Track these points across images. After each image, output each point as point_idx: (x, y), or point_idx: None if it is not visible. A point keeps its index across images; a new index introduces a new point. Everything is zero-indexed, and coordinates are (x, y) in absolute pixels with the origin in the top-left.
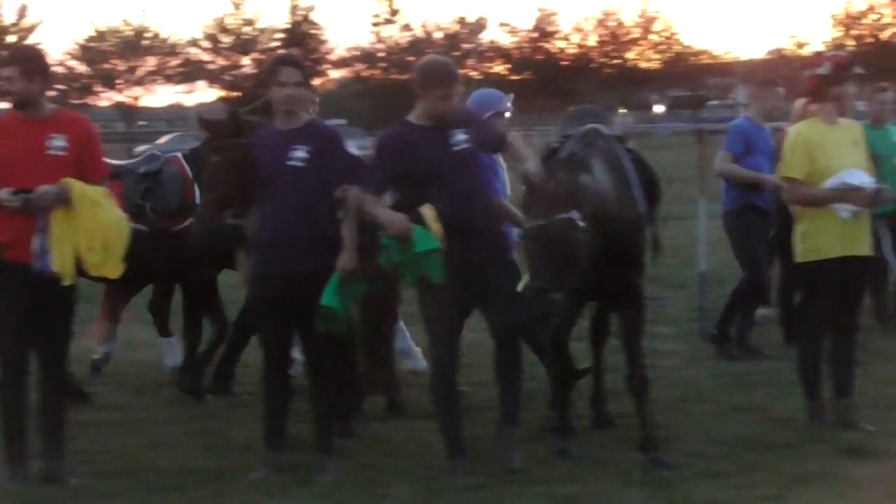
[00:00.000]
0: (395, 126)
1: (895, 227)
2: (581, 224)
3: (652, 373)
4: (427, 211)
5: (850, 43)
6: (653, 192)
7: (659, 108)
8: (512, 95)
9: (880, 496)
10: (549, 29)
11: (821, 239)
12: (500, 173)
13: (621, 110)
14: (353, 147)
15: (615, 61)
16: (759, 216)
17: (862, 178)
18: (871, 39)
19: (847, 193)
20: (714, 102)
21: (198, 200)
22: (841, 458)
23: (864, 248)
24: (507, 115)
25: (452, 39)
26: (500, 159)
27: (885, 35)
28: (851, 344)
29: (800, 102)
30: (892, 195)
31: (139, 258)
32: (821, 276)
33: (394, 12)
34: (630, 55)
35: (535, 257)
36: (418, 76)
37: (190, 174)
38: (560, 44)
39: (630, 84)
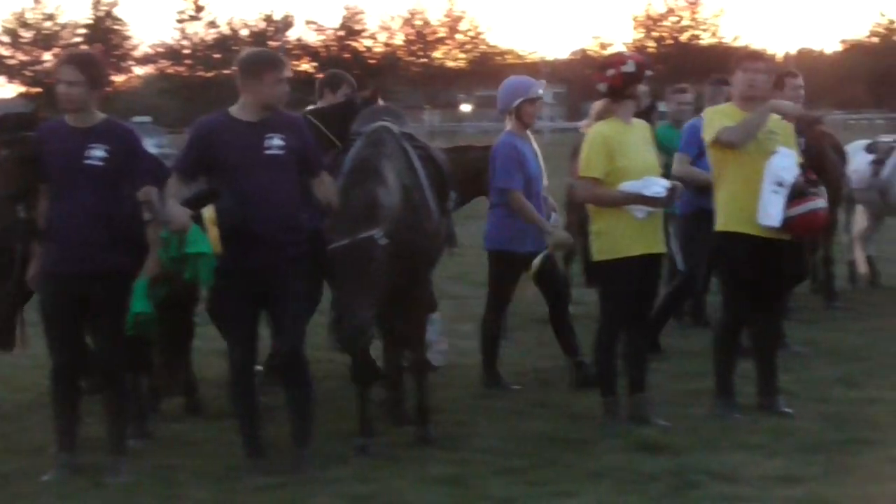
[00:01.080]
0: (214, 114)
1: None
2: (382, 242)
3: (453, 371)
4: (207, 212)
5: (651, 44)
6: (442, 186)
7: (466, 107)
8: (544, 81)
9: (670, 489)
10: (356, 27)
11: (617, 238)
12: (533, 162)
13: (428, 109)
14: (151, 145)
15: (422, 60)
16: (710, 221)
17: (656, 185)
18: (670, 41)
19: (642, 197)
20: None
21: None
22: (634, 453)
23: (657, 246)
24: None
25: (259, 37)
26: (535, 147)
27: (684, 37)
28: (645, 340)
29: (598, 103)
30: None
31: None
32: (617, 275)
33: (199, 9)
34: (437, 54)
35: (340, 277)
36: (239, 67)
37: None
38: (367, 42)
39: (437, 83)
